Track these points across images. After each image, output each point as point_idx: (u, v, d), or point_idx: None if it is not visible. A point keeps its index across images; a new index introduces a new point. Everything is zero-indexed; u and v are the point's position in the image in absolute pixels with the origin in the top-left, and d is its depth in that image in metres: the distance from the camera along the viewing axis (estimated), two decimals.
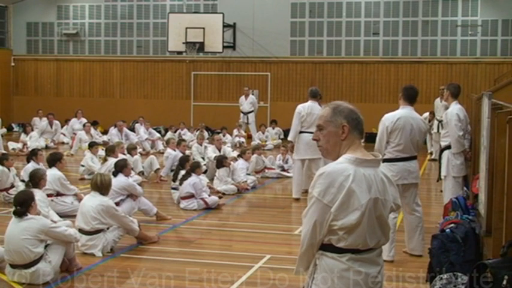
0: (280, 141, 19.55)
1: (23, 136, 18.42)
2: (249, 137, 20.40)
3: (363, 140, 3.27)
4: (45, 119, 19.59)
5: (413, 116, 7.30)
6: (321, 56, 22.81)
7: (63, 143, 19.85)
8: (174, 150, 12.82)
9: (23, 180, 9.96)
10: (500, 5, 21.58)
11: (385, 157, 7.08)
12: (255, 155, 13.19)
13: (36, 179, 8.14)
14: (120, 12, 24.41)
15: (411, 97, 7.39)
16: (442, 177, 8.65)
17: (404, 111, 7.29)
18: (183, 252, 7.63)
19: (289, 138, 11.18)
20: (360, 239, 3.10)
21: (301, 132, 10.82)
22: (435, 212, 9.57)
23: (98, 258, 7.16)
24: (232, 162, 12.19)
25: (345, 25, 22.63)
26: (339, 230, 3.07)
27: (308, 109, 10.77)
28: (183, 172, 10.49)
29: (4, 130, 21.87)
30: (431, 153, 16.98)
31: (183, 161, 10.81)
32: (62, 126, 20.83)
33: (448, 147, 8.50)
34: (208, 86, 23.71)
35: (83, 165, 13.03)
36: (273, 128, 20.60)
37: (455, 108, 8.44)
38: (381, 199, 3.13)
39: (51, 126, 19.40)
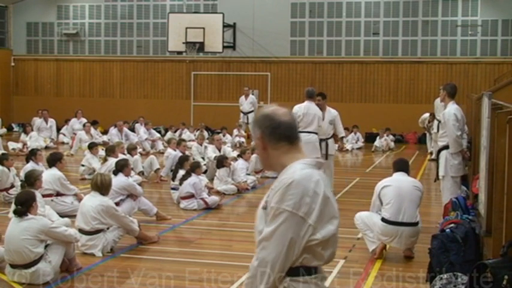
0: None
1: (23, 136, 18.42)
2: (249, 137, 20.39)
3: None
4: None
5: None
6: (321, 56, 22.82)
7: (63, 143, 19.85)
8: (174, 150, 12.82)
9: (22, 180, 9.96)
10: (500, 5, 21.59)
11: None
12: (254, 155, 13.17)
13: (31, 180, 8.12)
14: (120, 12, 24.42)
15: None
16: (440, 177, 8.66)
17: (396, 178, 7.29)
18: (183, 252, 7.63)
19: None
20: (333, 251, 2.85)
21: (299, 132, 10.81)
22: (435, 212, 9.57)
23: (98, 258, 7.16)
24: (232, 162, 12.18)
25: (345, 25, 22.64)
26: (318, 245, 2.75)
27: (304, 109, 10.78)
28: (182, 172, 10.49)
29: (4, 130, 21.92)
30: (431, 153, 16.97)
31: (182, 161, 10.80)
32: (62, 126, 20.87)
33: (446, 147, 8.50)
34: (208, 86, 23.71)
35: (83, 165, 13.03)
36: None
37: (453, 108, 8.45)
38: None
39: (46, 123, 19.47)
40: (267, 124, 2.89)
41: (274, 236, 2.71)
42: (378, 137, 19.69)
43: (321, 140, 11.00)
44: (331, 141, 11.42)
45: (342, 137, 12.09)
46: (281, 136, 2.88)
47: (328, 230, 2.77)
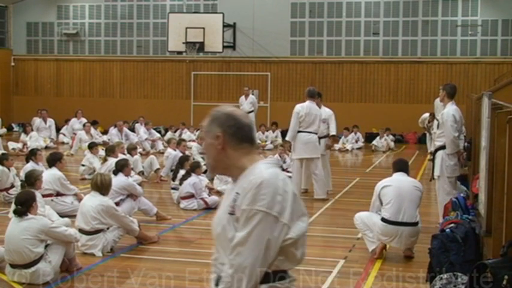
0: (280, 140, 19.53)
1: (23, 136, 18.42)
2: None
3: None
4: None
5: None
6: (321, 56, 22.81)
7: (63, 143, 19.85)
8: (174, 150, 12.82)
9: (22, 180, 9.96)
10: (500, 5, 21.58)
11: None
12: None
13: (31, 180, 8.12)
14: (120, 12, 24.42)
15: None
16: (436, 177, 8.67)
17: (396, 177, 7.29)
18: (183, 252, 7.63)
19: (287, 139, 11.18)
20: (304, 251, 2.75)
21: (299, 131, 10.83)
22: (435, 212, 9.56)
23: (98, 258, 7.16)
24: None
25: (345, 25, 22.64)
26: (292, 244, 2.66)
27: (306, 109, 10.79)
28: (182, 172, 10.49)
29: (4, 130, 21.91)
30: (431, 153, 16.96)
31: (183, 161, 10.81)
32: (62, 126, 20.88)
33: (443, 147, 8.51)
34: (208, 86, 23.71)
35: (83, 165, 13.04)
36: (273, 132, 20.58)
37: (452, 109, 8.45)
38: None
39: (45, 123, 19.49)
40: (231, 123, 2.76)
41: (250, 239, 2.57)
42: (378, 137, 19.71)
43: None
44: (324, 141, 11.44)
45: (333, 136, 11.88)
46: (244, 137, 2.77)
47: (300, 228, 2.69)
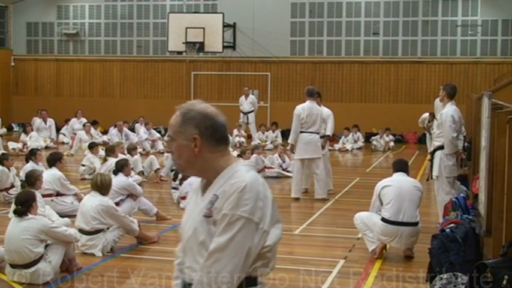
0: (280, 140, 19.53)
1: (23, 136, 18.42)
2: (249, 137, 20.40)
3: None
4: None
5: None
6: (321, 56, 22.81)
7: (63, 143, 19.85)
8: None
9: (22, 180, 9.97)
10: (500, 5, 21.59)
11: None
12: (254, 155, 13.19)
13: (32, 180, 8.12)
14: (120, 12, 24.42)
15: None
16: (434, 177, 8.67)
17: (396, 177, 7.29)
18: None
19: (289, 141, 11.13)
20: (276, 258, 2.68)
21: (300, 132, 10.82)
22: (435, 212, 9.56)
23: (98, 258, 7.16)
24: None
25: (345, 25, 22.64)
26: (269, 251, 2.58)
27: (307, 110, 10.77)
28: None
29: (4, 130, 21.91)
30: (431, 153, 16.96)
31: None
32: (62, 126, 20.88)
33: (441, 147, 8.51)
34: (208, 86, 23.71)
35: (83, 165, 13.04)
36: (273, 132, 20.58)
37: (451, 110, 8.46)
38: None
39: (45, 123, 19.51)
40: (208, 124, 2.59)
41: (230, 246, 2.43)
42: (377, 136, 19.71)
43: None
44: (323, 141, 11.42)
45: (327, 136, 11.78)
46: (221, 138, 2.63)
47: (276, 235, 2.58)
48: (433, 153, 8.83)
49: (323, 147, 11.55)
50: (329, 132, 11.65)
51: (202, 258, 2.52)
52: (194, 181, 10.18)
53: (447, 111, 8.43)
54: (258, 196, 2.49)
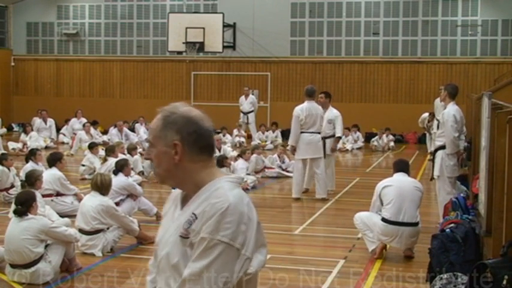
0: (280, 140, 19.52)
1: (23, 136, 18.43)
2: (249, 137, 20.41)
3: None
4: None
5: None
6: (321, 56, 22.81)
7: (63, 143, 19.85)
8: None
9: (22, 180, 9.97)
10: (500, 5, 21.59)
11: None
12: (254, 155, 13.19)
13: (32, 180, 8.12)
14: (120, 12, 24.42)
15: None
16: (435, 176, 8.67)
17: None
18: None
19: (289, 143, 11.12)
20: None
21: (301, 132, 10.81)
22: (435, 212, 9.56)
23: (98, 258, 7.16)
24: (232, 162, 12.18)
25: (345, 25, 22.64)
26: (250, 280, 2.32)
27: (306, 111, 10.74)
28: None
29: (4, 130, 21.91)
30: (431, 153, 16.97)
31: None
32: (62, 126, 20.88)
33: (443, 147, 8.51)
34: (208, 86, 23.71)
35: (83, 165, 13.04)
36: (273, 132, 20.58)
37: (453, 109, 8.45)
38: None
39: (46, 123, 19.52)
40: (191, 130, 2.31)
41: (207, 274, 2.17)
42: (377, 136, 19.72)
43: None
44: (329, 141, 11.42)
45: (338, 137, 11.79)
46: (205, 146, 2.34)
47: (259, 262, 2.32)
48: (434, 153, 8.83)
49: (333, 150, 11.54)
50: (340, 134, 11.61)
51: (175, 283, 2.28)
52: None
53: (449, 111, 8.43)
54: (242, 219, 2.22)
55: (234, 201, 2.23)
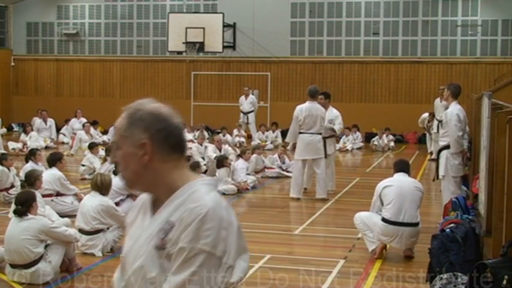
0: (279, 140, 19.52)
1: (23, 136, 18.43)
2: (249, 137, 20.41)
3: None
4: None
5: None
6: (321, 56, 22.81)
7: (63, 143, 19.86)
8: None
9: (22, 180, 9.97)
10: (500, 5, 21.58)
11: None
12: (254, 155, 13.19)
13: (31, 179, 8.12)
14: (120, 12, 24.41)
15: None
16: (440, 176, 8.66)
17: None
18: None
19: (287, 140, 11.14)
20: None
21: (301, 133, 10.81)
22: (435, 212, 9.57)
23: (98, 258, 7.16)
24: (232, 162, 12.19)
25: (345, 25, 22.64)
26: None
27: (306, 111, 10.72)
28: None
29: (4, 130, 21.89)
30: (431, 153, 16.97)
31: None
32: (62, 126, 20.88)
33: (447, 147, 8.50)
34: (208, 86, 23.71)
35: (83, 165, 13.04)
36: (273, 132, 20.58)
37: (456, 109, 8.45)
38: None
39: (46, 123, 19.53)
40: (160, 127, 2.11)
41: (189, 286, 2.00)
42: (377, 136, 19.72)
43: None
44: (329, 141, 11.42)
45: (333, 130, 11.65)
46: (176, 145, 2.14)
47: (242, 269, 2.11)
48: (438, 152, 8.82)
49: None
50: (337, 130, 11.48)
51: None
52: None
53: (452, 111, 8.42)
54: (221, 224, 2.04)
55: (212, 205, 2.05)
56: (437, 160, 8.99)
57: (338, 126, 11.46)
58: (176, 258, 2.02)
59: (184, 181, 2.13)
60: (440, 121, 15.03)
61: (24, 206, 6.30)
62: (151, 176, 2.13)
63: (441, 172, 8.59)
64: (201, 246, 2.00)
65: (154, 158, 2.10)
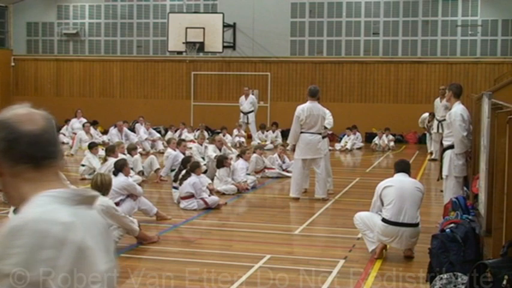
0: (280, 140, 19.52)
1: None
2: (249, 137, 20.41)
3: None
4: None
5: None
6: (321, 56, 22.82)
7: (63, 143, 19.84)
8: (174, 150, 12.83)
9: None
10: (500, 5, 21.59)
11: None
12: (255, 155, 13.19)
13: None
14: (120, 12, 24.42)
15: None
16: (444, 176, 8.65)
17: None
18: (183, 252, 7.62)
19: (288, 141, 11.12)
20: None
21: (302, 132, 10.81)
22: (435, 212, 9.57)
23: None
24: (232, 162, 12.19)
25: (345, 25, 22.64)
26: None
27: (307, 111, 10.73)
28: (183, 173, 10.49)
29: None
30: (431, 153, 16.99)
31: (186, 162, 10.80)
32: (62, 126, 20.87)
33: (451, 146, 8.49)
34: (208, 86, 23.72)
35: (83, 165, 13.04)
36: (273, 132, 20.59)
37: (459, 109, 8.42)
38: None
39: None
40: (2, 135, 1.86)
41: None
42: (377, 136, 19.73)
43: None
44: (323, 141, 11.40)
45: (325, 128, 11.56)
46: (21, 155, 1.85)
47: None
48: (442, 152, 8.81)
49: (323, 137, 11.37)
50: (326, 125, 11.39)
51: None
52: (195, 181, 10.24)
53: (456, 111, 8.39)
54: (43, 243, 1.66)
55: (33, 218, 1.70)
56: (441, 160, 8.98)
57: (329, 119, 11.41)
58: None
59: (36, 193, 1.83)
60: (440, 121, 15.06)
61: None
62: (9, 191, 1.89)
63: (445, 172, 8.58)
64: (3, 266, 1.64)
65: (3, 171, 1.86)
